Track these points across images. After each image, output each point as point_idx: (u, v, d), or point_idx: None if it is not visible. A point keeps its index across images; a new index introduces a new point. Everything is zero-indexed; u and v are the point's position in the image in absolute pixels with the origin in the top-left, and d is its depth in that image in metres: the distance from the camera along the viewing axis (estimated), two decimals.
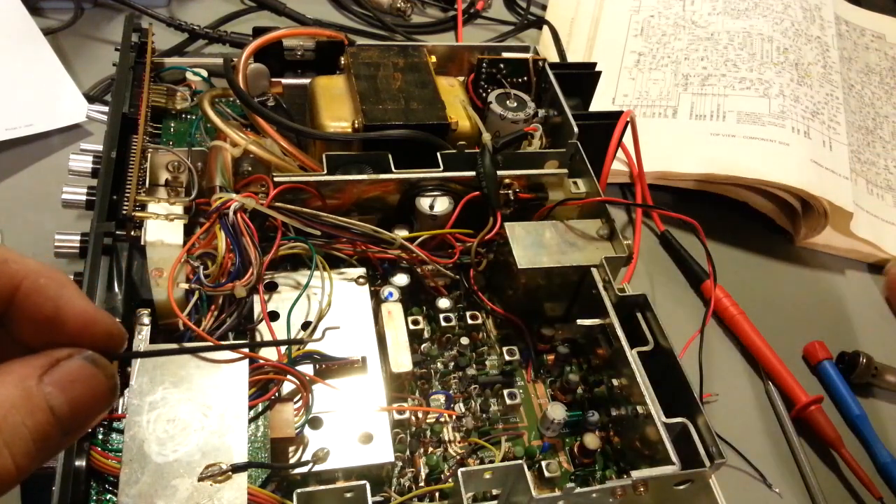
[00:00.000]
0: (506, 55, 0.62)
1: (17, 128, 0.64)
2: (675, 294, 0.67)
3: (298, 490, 0.36)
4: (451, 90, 0.59)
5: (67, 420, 0.23)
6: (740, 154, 0.71)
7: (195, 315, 0.43)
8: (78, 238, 0.45)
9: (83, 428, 0.24)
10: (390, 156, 0.52)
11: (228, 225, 0.45)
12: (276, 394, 0.41)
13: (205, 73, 0.61)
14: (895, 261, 0.70)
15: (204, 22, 0.77)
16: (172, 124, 0.57)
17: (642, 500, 0.40)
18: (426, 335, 0.51)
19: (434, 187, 0.52)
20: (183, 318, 0.42)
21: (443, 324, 0.50)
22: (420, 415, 0.46)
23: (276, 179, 0.48)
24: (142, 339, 0.42)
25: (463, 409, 0.48)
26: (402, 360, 0.45)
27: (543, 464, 0.45)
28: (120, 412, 0.38)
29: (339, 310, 0.47)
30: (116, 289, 0.44)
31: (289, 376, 0.42)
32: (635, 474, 0.39)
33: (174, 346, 0.40)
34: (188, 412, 0.37)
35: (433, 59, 0.60)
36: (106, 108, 0.55)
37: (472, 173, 0.52)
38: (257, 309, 0.45)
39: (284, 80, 0.61)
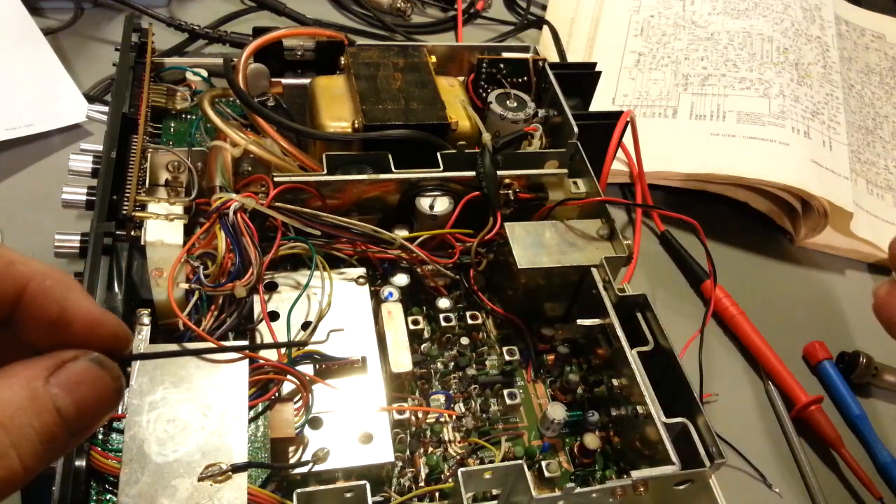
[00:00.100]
0: (506, 55, 0.62)
1: (17, 128, 0.64)
2: (675, 294, 0.66)
3: (298, 490, 0.36)
4: (451, 90, 0.59)
5: (74, 421, 0.23)
6: (740, 154, 0.71)
7: (195, 315, 0.43)
8: (78, 238, 0.45)
9: (89, 429, 0.24)
10: (390, 156, 0.52)
11: (228, 225, 0.45)
12: (276, 394, 0.41)
13: (205, 73, 0.61)
14: (882, 283, 0.69)
15: (204, 22, 0.77)
16: (172, 124, 0.57)
17: (642, 500, 0.40)
18: (426, 335, 0.51)
19: (434, 187, 0.52)
20: (183, 318, 0.42)
21: (443, 324, 0.50)
22: (420, 415, 0.46)
23: (276, 179, 0.48)
24: (142, 339, 0.42)
25: (463, 409, 0.48)
26: (402, 360, 0.45)
27: (543, 464, 0.45)
28: (120, 412, 0.38)
29: (339, 310, 0.47)
30: (116, 289, 0.44)
31: (289, 376, 0.42)
32: (635, 474, 0.39)
33: (179, 348, 0.40)
34: (188, 412, 0.37)
35: (433, 59, 0.60)
36: (106, 108, 0.55)
37: (472, 173, 0.52)
38: (257, 309, 0.45)
39: (284, 80, 0.61)
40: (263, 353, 0.42)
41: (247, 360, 0.40)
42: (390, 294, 0.49)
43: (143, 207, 0.46)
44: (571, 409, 0.48)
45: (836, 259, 0.73)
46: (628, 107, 0.78)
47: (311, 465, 0.39)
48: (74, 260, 0.45)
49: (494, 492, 0.41)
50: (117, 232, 0.44)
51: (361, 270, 0.49)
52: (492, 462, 0.46)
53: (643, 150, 0.67)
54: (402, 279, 0.50)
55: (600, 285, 0.48)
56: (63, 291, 0.24)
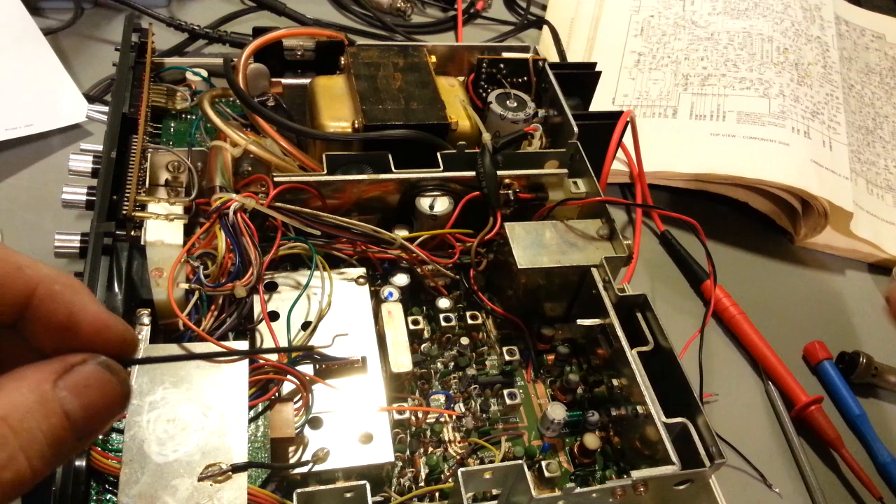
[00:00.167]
0: (506, 55, 0.62)
1: (17, 128, 0.64)
2: (675, 294, 0.67)
3: (298, 490, 0.36)
4: (451, 90, 0.59)
5: (81, 424, 0.23)
6: (740, 154, 0.71)
7: (195, 315, 0.43)
8: (78, 238, 0.45)
9: (97, 432, 0.24)
10: (390, 156, 0.52)
11: (228, 225, 0.45)
12: (276, 394, 0.41)
13: (205, 73, 0.61)
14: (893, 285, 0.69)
15: (204, 22, 0.77)
16: (172, 124, 0.57)
17: (642, 500, 0.40)
18: (426, 335, 0.51)
19: (434, 187, 0.52)
20: (183, 318, 0.42)
21: (443, 324, 0.50)
22: (420, 415, 0.46)
23: (276, 179, 0.48)
24: (142, 339, 0.42)
25: (463, 409, 0.48)
26: (402, 360, 0.45)
27: (543, 464, 0.45)
28: None
29: (339, 310, 0.47)
30: (116, 289, 0.44)
31: (289, 376, 0.42)
32: (635, 474, 0.39)
33: (179, 348, 0.40)
34: (188, 412, 0.37)
35: (433, 59, 0.60)
36: (106, 108, 0.55)
37: (472, 173, 0.52)
38: (257, 309, 0.45)
39: (284, 80, 0.61)
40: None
41: (247, 360, 0.40)
42: (390, 294, 0.49)
43: (143, 207, 0.46)
44: (571, 409, 0.48)
45: (836, 259, 0.73)
46: (628, 107, 0.78)
47: (311, 465, 0.39)
48: (74, 260, 0.45)
49: (494, 492, 0.41)
50: (117, 232, 0.44)
51: (361, 270, 0.49)
52: (492, 462, 0.46)
53: (643, 150, 0.67)
54: (402, 279, 0.50)
55: (600, 285, 0.48)
56: (71, 296, 0.24)
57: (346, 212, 0.51)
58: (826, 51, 0.84)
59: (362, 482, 0.37)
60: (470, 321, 0.51)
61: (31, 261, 0.24)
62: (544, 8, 0.93)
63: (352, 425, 0.41)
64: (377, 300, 0.49)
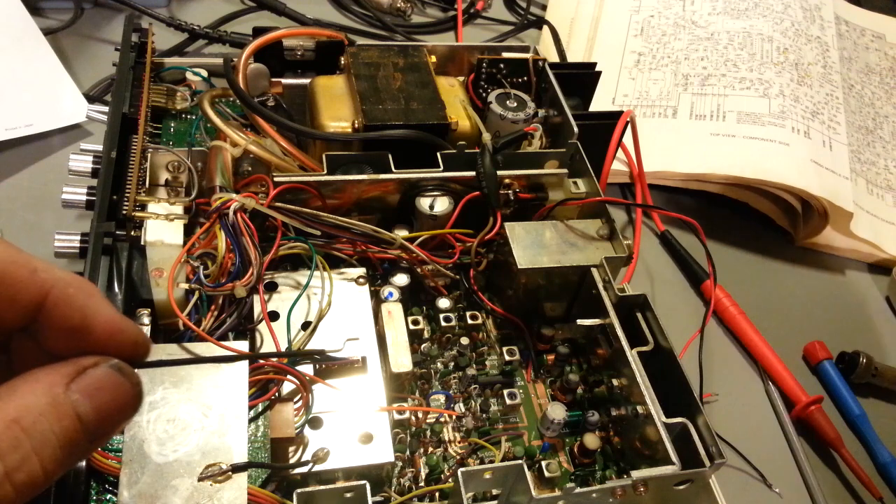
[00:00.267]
0: (506, 55, 0.62)
1: (17, 128, 0.64)
2: (675, 294, 0.66)
3: (298, 490, 0.36)
4: (451, 90, 0.59)
5: (94, 427, 0.23)
6: (740, 154, 0.71)
7: (195, 315, 0.43)
8: (78, 238, 0.45)
9: (108, 434, 0.24)
10: (390, 156, 0.52)
11: (228, 225, 0.45)
12: (276, 394, 0.41)
13: (205, 73, 0.61)
14: None
15: (204, 22, 0.77)
16: (172, 124, 0.57)
17: (642, 500, 0.40)
18: (426, 335, 0.51)
19: (434, 187, 0.52)
20: (183, 318, 0.42)
21: (443, 324, 0.50)
22: (420, 415, 0.46)
23: (276, 179, 0.48)
24: None
25: (463, 409, 0.48)
26: (402, 360, 0.45)
27: (543, 464, 0.45)
28: None
29: (339, 310, 0.47)
30: (116, 289, 0.44)
31: (289, 376, 0.42)
32: (635, 474, 0.39)
33: (180, 348, 0.40)
34: (188, 412, 0.37)
35: (433, 59, 0.60)
36: (106, 108, 0.55)
37: (472, 173, 0.52)
38: (257, 309, 0.45)
39: (284, 80, 0.61)
40: (264, 351, 0.42)
41: (247, 360, 0.40)
42: (390, 294, 0.49)
43: (143, 207, 0.46)
44: (571, 409, 0.48)
45: (836, 259, 0.73)
46: (628, 107, 0.78)
47: (311, 465, 0.39)
48: (74, 260, 0.45)
49: (494, 492, 0.41)
50: (117, 232, 0.44)
51: (361, 270, 0.49)
52: (492, 462, 0.46)
53: (643, 150, 0.67)
54: (402, 279, 0.50)
55: (600, 285, 0.48)
56: (84, 299, 0.24)
57: (346, 212, 0.51)
58: (826, 51, 0.84)
59: (362, 482, 0.37)
60: (470, 321, 0.51)
61: (45, 263, 0.24)
62: (544, 8, 0.93)
63: (352, 425, 0.41)
64: (377, 300, 0.49)
